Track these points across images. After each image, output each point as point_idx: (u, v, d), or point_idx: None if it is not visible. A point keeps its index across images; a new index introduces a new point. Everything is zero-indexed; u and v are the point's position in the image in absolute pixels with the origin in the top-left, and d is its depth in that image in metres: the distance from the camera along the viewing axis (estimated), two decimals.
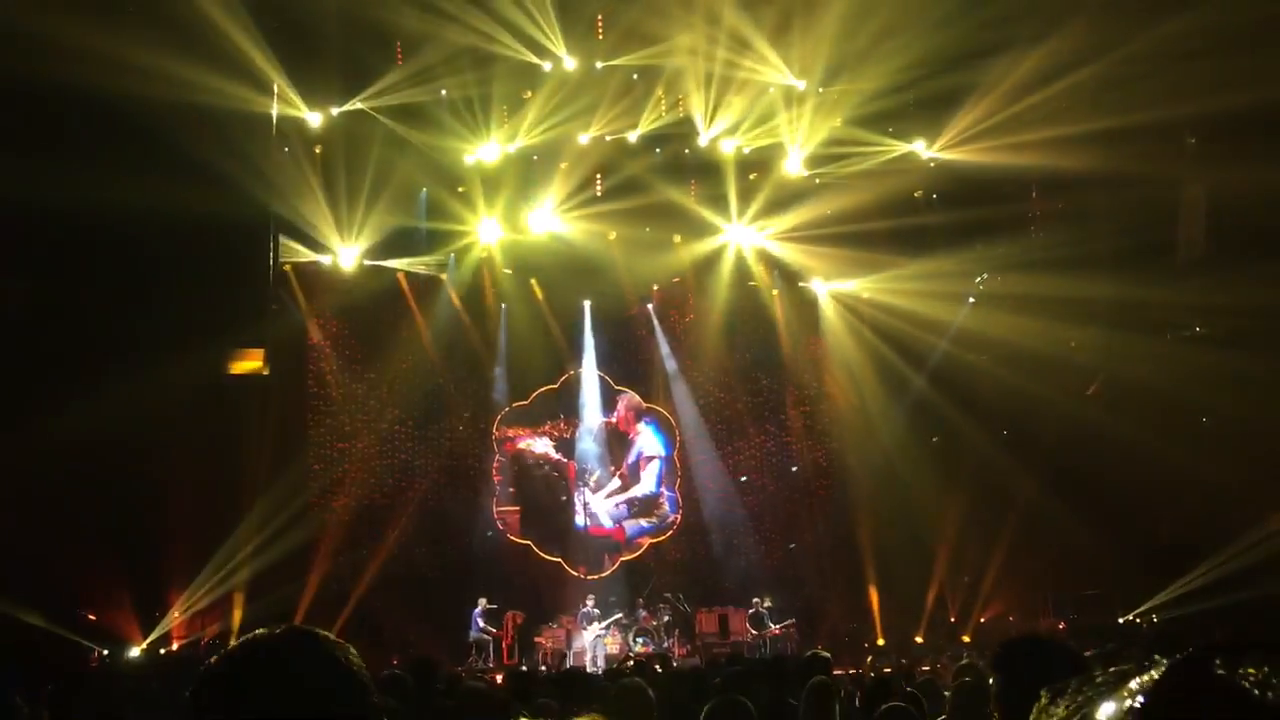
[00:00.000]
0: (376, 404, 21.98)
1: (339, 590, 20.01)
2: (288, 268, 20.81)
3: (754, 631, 20.67)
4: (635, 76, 20.34)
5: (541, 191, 21.47)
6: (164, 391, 17.14)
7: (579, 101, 20.15)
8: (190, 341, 17.65)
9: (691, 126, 20.99)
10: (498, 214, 21.61)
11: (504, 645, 20.29)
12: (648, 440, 23.76)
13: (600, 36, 19.79)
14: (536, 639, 20.41)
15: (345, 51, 18.94)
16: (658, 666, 12.51)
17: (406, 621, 20.11)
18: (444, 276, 22.35)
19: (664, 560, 23.10)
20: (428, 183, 21.22)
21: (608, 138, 21.03)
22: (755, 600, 21.06)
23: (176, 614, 18.26)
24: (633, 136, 21.02)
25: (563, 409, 23.53)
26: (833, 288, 23.75)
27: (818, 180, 22.09)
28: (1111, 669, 0.97)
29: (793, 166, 21.69)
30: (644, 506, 23.41)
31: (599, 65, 20.00)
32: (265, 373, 19.28)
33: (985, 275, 22.50)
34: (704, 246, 22.99)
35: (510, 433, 23.14)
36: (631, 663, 14.54)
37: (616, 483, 23.40)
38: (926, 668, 15.41)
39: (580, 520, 22.85)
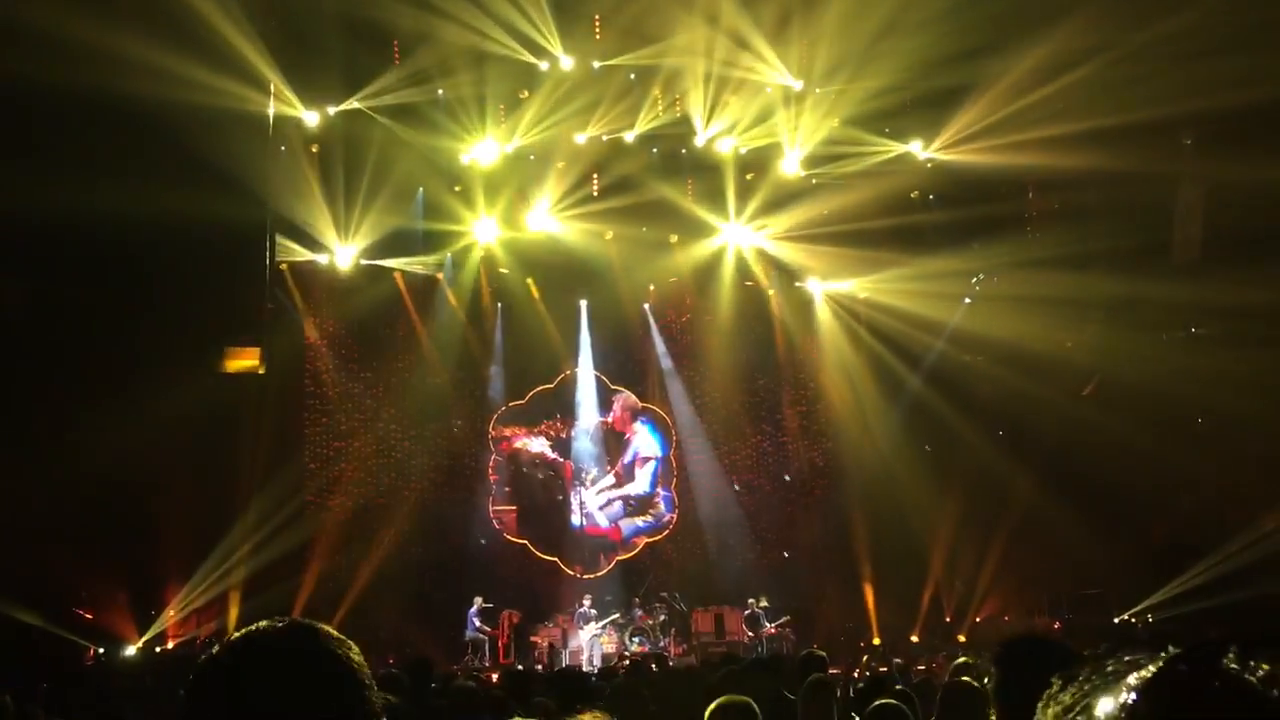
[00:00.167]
0: (373, 403, 21.97)
1: (335, 589, 19.98)
2: (284, 267, 20.78)
3: (750, 631, 20.68)
4: (632, 76, 20.32)
5: (538, 191, 21.45)
6: (160, 390, 17.13)
7: (576, 101, 20.13)
8: (187, 340, 17.66)
9: (689, 126, 20.98)
10: (495, 214, 21.60)
11: (500, 644, 20.27)
12: (644, 440, 23.75)
13: (598, 36, 19.77)
14: (532, 638, 20.41)
15: (342, 51, 18.93)
16: (654, 666, 12.52)
17: (402, 620, 20.11)
18: (441, 276, 22.34)
19: (660, 560, 23.11)
20: (425, 182, 21.19)
21: (605, 137, 21.01)
22: (751, 600, 21.07)
23: (172, 613, 18.25)
24: (630, 136, 21.00)
25: (559, 408, 23.53)
26: (829, 288, 23.77)
27: (815, 180, 22.10)
28: (1126, 658, 0.97)
29: (790, 166, 21.69)
30: (640, 506, 23.41)
31: (596, 65, 19.99)
32: (261, 372, 19.24)
33: (981, 275, 22.51)
34: (701, 246, 22.99)
35: (507, 432, 23.14)
36: (627, 662, 14.55)
37: (612, 481, 23.40)
38: (922, 667, 15.41)
39: (576, 520, 22.87)
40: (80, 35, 14.20)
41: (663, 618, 20.94)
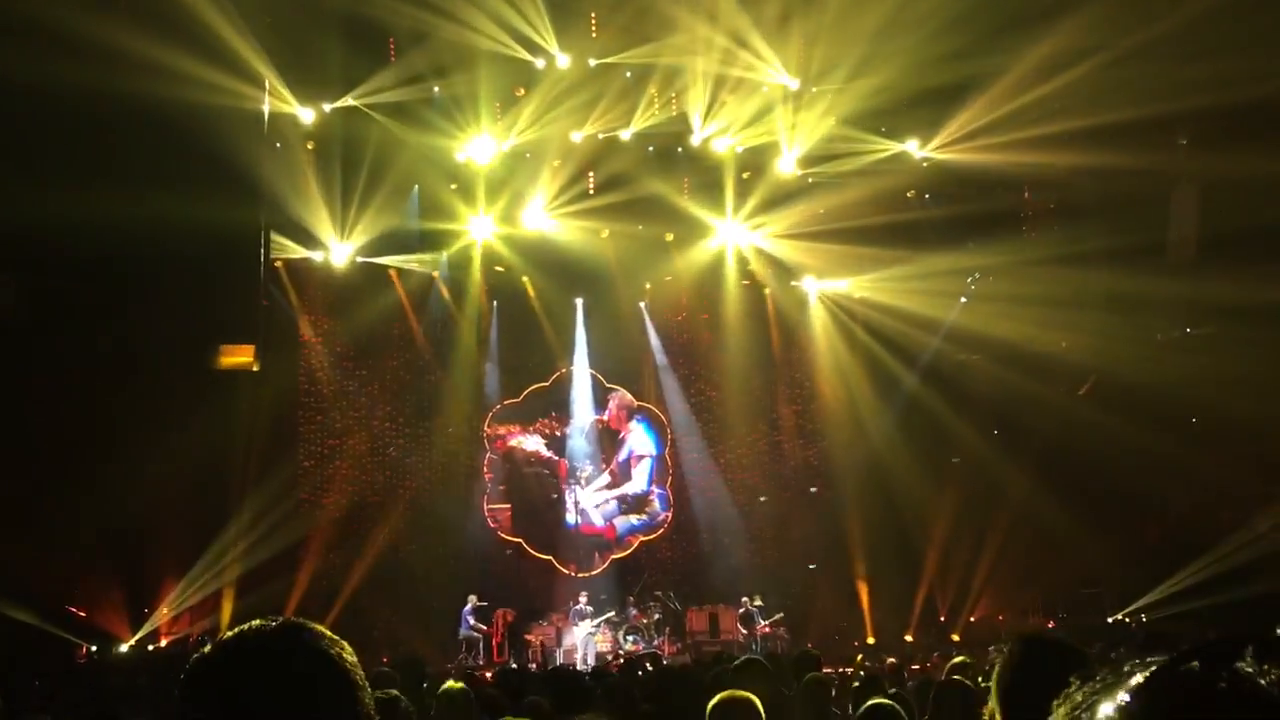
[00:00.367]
0: (368, 401, 21.96)
1: (329, 587, 19.97)
2: (279, 264, 20.76)
3: (744, 630, 20.69)
4: (629, 74, 20.28)
5: (534, 189, 21.43)
6: (155, 387, 17.13)
7: (572, 99, 20.10)
8: (181, 338, 17.63)
9: (685, 125, 20.95)
10: (491, 212, 21.59)
11: (494, 643, 20.26)
12: (639, 438, 23.75)
13: (594, 34, 19.74)
14: (526, 637, 20.41)
15: (338, 48, 18.86)
16: (648, 664, 12.50)
17: (396, 619, 20.10)
18: (436, 274, 22.35)
19: (655, 558, 23.13)
20: (421, 180, 21.17)
21: (601, 135, 20.99)
22: (745, 599, 21.08)
23: (165, 610, 18.21)
24: (626, 134, 20.97)
25: (554, 407, 23.53)
26: (825, 287, 23.77)
27: (811, 179, 22.09)
28: (1144, 660, 0.96)
29: (786, 165, 21.67)
30: (635, 504, 23.41)
31: (592, 63, 19.94)
32: (256, 369, 19.21)
33: (977, 274, 22.51)
34: (697, 245, 23.00)
35: (502, 430, 23.12)
36: (621, 661, 14.54)
37: (607, 479, 23.40)
38: (917, 666, 15.41)
39: (571, 518, 22.87)
40: (75, 32, 14.17)
41: (657, 616, 20.95)
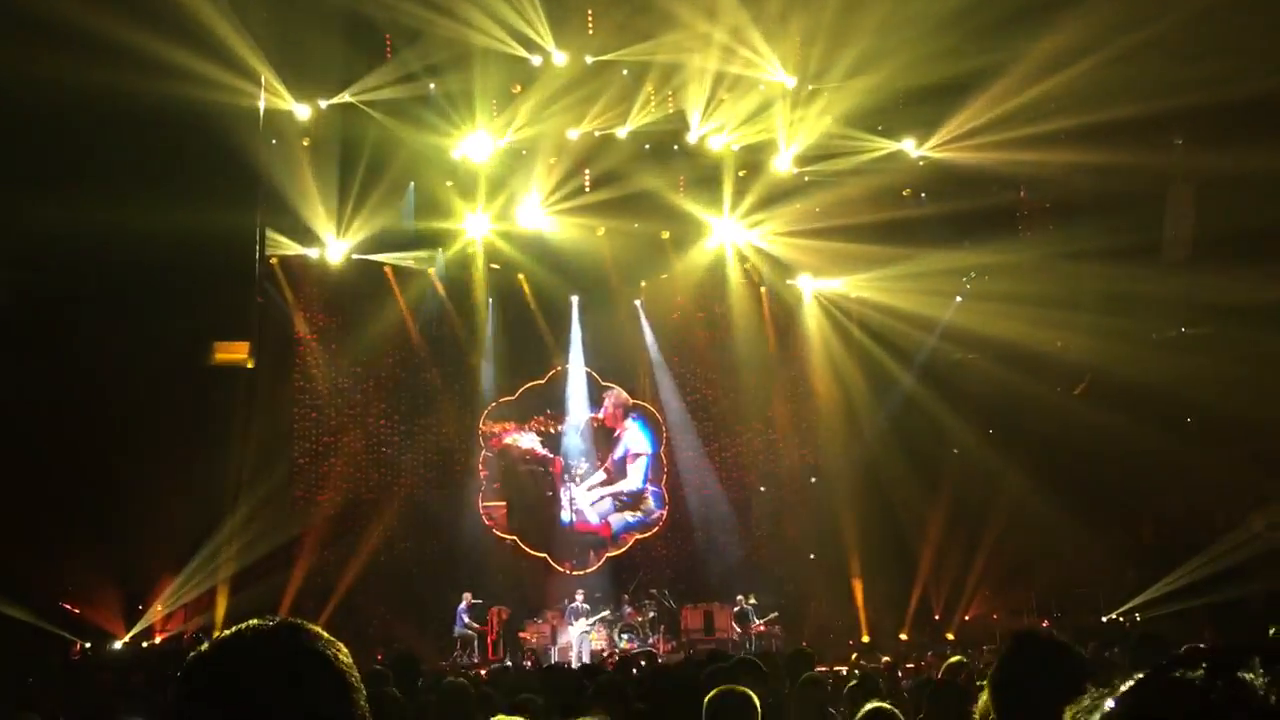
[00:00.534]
0: (363, 398, 21.94)
1: (323, 585, 19.95)
2: (274, 261, 20.74)
3: (738, 628, 20.70)
4: (625, 72, 20.28)
5: (531, 187, 21.42)
6: (149, 383, 17.09)
7: (568, 97, 20.09)
8: (175, 334, 17.58)
9: (681, 123, 20.96)
10: (487, 209, 21.58)
11: (489, 641, 20.25)
12: (634, 436, 23.75)
13: (590, 31, 19.73)
14: (521, 635, 20.41)
15: (334, 45, 18.85)
16: (642, 662, 12.50)
17: (391, 616, 20.10)
18: (431, 271, 22.31)
19: (650, 556, 23.12)
20: (417, 177, 21.17)
21: (597, 133, 20.99)
22: (740, 597, 21.09)
23: (159, 608, 18.19)
24: (622, 132, 20.97)
25: (550, 404, 23.51)
26: (821, 285, 23.78)
27: (807, 178, 22.10)
28: (1157, 666, 0.97)
29: (782, 164, 21.68)
30: (630, 502, 23.41)
31: (589, 60, 19.93)
32: (250, 366, 19.19)
33: (973, 273, 22.53)
34: (693, 243, 23.01)
35: (497, 428, 23.11)
36: (615, 659, 14.54)
37: (602, 477, 23.40)
38: (911, 665, 15.43)
39: (566, 516, 22.87)
40: (70, 28, 14.13)
41: (652, 614, 20.95)
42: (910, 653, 18.75)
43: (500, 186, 21.47)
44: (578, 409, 23.59)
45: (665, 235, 22.99)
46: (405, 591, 20.79)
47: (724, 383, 24.20)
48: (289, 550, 19.79)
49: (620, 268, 23.06)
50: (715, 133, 21.21)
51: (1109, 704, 0.95)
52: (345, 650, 1.64)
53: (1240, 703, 0.87)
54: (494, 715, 4.38)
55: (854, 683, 7.56)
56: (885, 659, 14.70)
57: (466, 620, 19.99)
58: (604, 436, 23.69)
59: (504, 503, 22.75)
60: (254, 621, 1.64)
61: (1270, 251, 16.33)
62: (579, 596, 20.79)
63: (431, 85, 19.84)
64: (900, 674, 12.60)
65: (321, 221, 20.49)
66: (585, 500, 23.13)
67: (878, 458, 22.26)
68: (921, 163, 21.47)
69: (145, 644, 18.08)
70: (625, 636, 20.28)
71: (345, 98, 19.45)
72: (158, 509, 17.22)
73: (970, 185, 21.01)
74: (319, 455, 21.38)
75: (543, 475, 23.20)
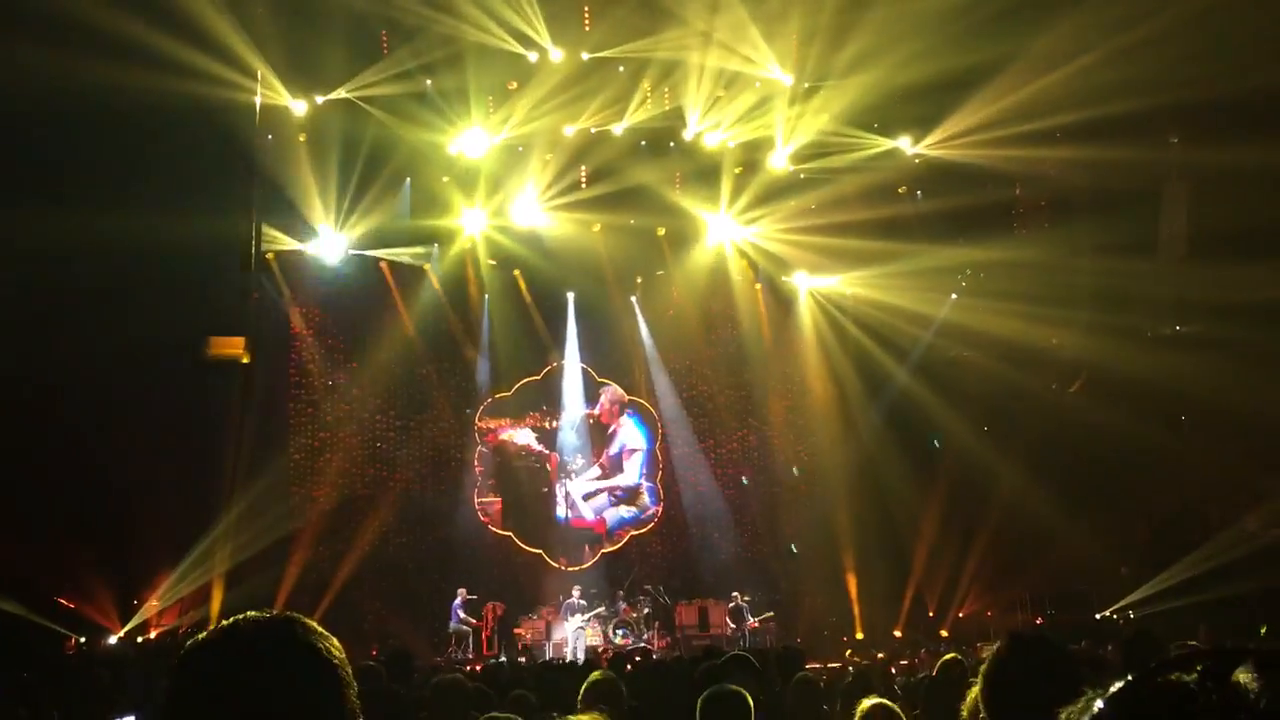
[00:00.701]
0: (359, 394, 21.94)
1: (319, 580, 19.96)
2: (271, 256, 20.72)
3: (733, 625, 20.72)
4: (621, 69, 20.24)
5: (526, 183, 21.40)
6: (145, 378, 17.08)
7: (565, 93, 20.06)
8: (172, 329, 17.56)
9: (678, 119, 20.93)
10: (483, 205, 21.57)
11: (484, 636, 20.26)
12: (630, 433, 23.76)
13: (587, 28, 19.70)
14: (516, 630, 20.42)
15: (330, 40, 18.81)
16: (637, 658, 12.53)
17: (386, 612, 20.10)
18: (427, 267, 22.31)
19: (645, 553, 23.14)
20: (413, 173, 21.15)
21: (593, 130, 20.96)
22: (735, 594, 21.11)
23: (155, 602, 18.19)
24: (618, 129, 20.95)
25: (545, 400, 23.52)
26: (816, 282, 23.79)
27: (803, 175, 22.09)
28: (1154, 668, 0.98)
29: (779, 161, 21.67)
30: (626, 497, 23.42)
31: (585, 57, 19.91)
32: (246, 361, 19.18)
33: (968, 270, 22.55)
34: (689, 240, 23.01)
35: (492, 424, 23.12)
36: (610, 655, 14.54)
37: (598, 473, 23.41)
38: (905, 662, 15.46)
39: (561, 512, 22.88)
40: (63, 22, 14.11)
41: (647, 610, 20.95)
42: (904, 650, 18.78)
43: (497, 183, 21.46)
44: (573, 405, 23.60)
45: (661, 232, 22.99)
46: (400, 587, 20.80)
47: (719, 379, 24.22)
48: (285, 545, 19.79)
49: (616, 264, 23.07)
50: (712, 129, 21.18)
51: (1098, 705, 0.96)
52: (338, 644, 1.66)
53: (1234, 707, 0.87)
54: (489, 711, 4.39)
55: (849, 680, 7.59)
56: (879, 655, 14.74)
57: (461, 615, 20.00)
58: (599, 432, 23.70)
59: (499, 498, 22.76)
60: (249, 614, 1.66)
61: (1266, 249, 16.34)
62: (576, 593, 20.79)
63: (428, 81, 19.79)
64: (894, 671, 12.63)
65: (318, 217, 20.48)
66: (580, 496, 23.14)
67: (872, 454, 22.29)
68: (917, 160, 21.47)
69: (140, 639, 18.08)
70: (620, 632, 20.29)
71: (342, 94, 19.42)
72: (153, 503, 17.22)
73: (966, 183, 20.98)
74: (315, 450, 21.38)
75: (538, 471, 23.21)
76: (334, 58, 19.07)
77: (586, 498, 23.19)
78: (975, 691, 3.03)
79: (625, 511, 23.34)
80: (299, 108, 19.56)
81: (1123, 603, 20.13)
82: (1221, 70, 15.89)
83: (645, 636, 20.21)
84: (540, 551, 22.50)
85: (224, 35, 16.88)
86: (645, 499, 23.51)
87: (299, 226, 20.55)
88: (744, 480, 24.05)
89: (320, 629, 1.67)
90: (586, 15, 19.56)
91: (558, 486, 23.06)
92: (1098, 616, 20.35)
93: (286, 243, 20.71)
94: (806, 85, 20.39)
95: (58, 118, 15.62)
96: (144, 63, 14.98)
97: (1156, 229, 19.96)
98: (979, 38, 17.56)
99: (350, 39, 18.93)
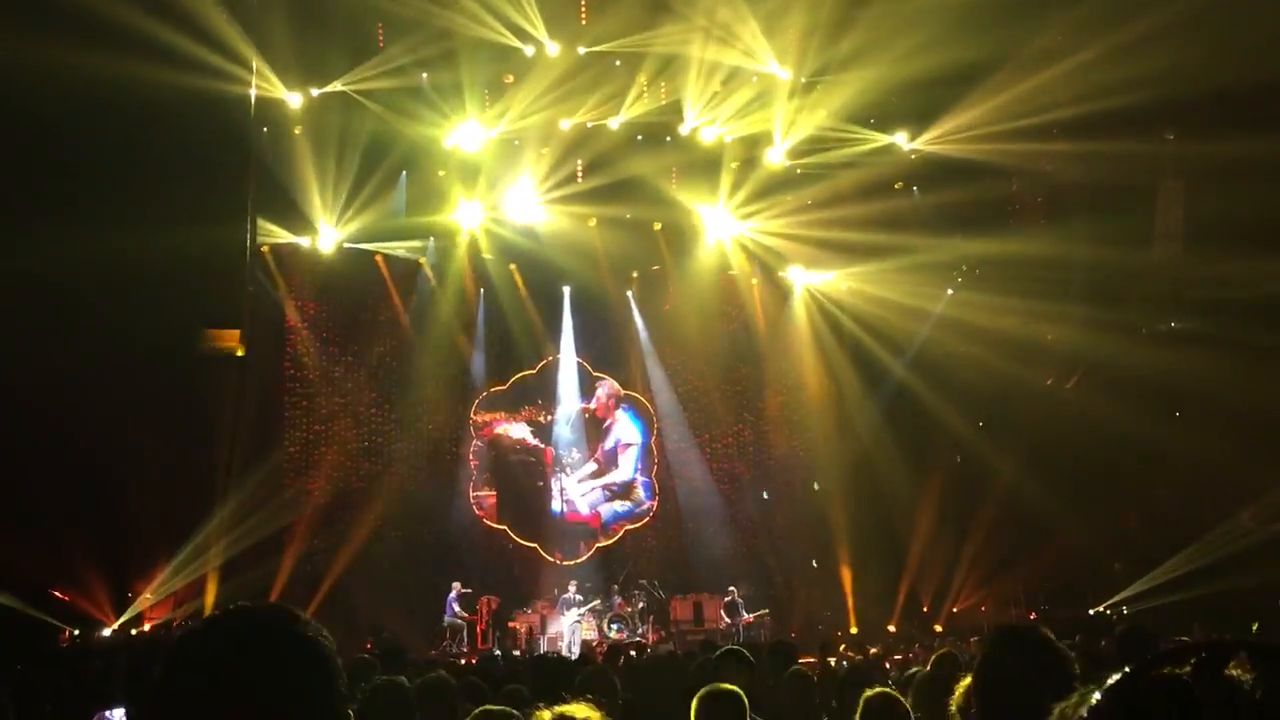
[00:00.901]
0: (354, 387, 21.93)
1: (313, 573, 19.96)
2: (265, 249, 20.70)
3: (728, 619, 20.73)
4: (618, 63, 20.23)
5: (522, 177, 21.38)
6: (139, 371, 17.05)
7: (561, 87, 20.03)
8: (166, 322, 17.53)
9: (674, 114, 20.91)
10: (479, 199, 21.55)
11: (478, 630, 20.27)
12: (625, 427, 23.77)
13: (583, 21, 19.68)
14: (511, 624, 20.43)
15: (326, 33, 18.77)
16: (633, 653, 12.53)
17: (381, 605, 20.08)
18: (423, 260, 22.30)
19: (640, 547, 23.16)
20: (409, 166, 21.11)
21: (589, 124, 20.93)
22: (730, 588, 21.12)
23: (149, 595, 18.16)
24: (615, 123, 20.92)
25: (541, 394, 23.52)
26: (811, 277, 23.79)
27: (800, 170, 22.08)
28: (1153, 662, 0.97)
29: (775, 156, 21.66)
30: (621, 491, 23.43)
31: (582, 50, 19.88)
32: (241, 354, 19.16)
33: (965, 266, 22.55)
34: (685, 234, 22.99)
35: (488, 417, 23.11)
36: (604, 649, 14.57)
37: (593, 468, 23.41)
38: (899, 656, 15.47)
39: (556, 506, 22.88)
40: (57, 13, 14.07)
41: (641, 605, 20.99)
42: (898, 644, 18.80)
43: (492, 177, 21.42)
44: (569, 399, 23.60)
45: (658, 227, 22.98)
46: (395, 580, 20.77)
47: (715, 374, 24.21)
48: (279, 538, 19.78)
49: (612, 259, 23.05)
50: (709, 124, 21.16)
51: (1095, 698, 0.96)
52: (329, 636, 1.67)
53: (1227, 699, 0.87)
54: (482, 705, 4.38)
55: (844, 674, 7.60)
56: (873, 650, 14.75)
57: (456, 609, 20.01)
58: (595, 427, 23.70)
59: (494, 492, 22.77)
60: (240, 604, 1.67)
61: (1261, 245, 16.34)
62: (571, 587, 20.82)
63: (424, 75, 19.75)
64: (888, 665, 12.64)
65: (314, 210, 20.45)
66: (576, 490, 23.14)
67: (868, 449, 22.31)
68: (914, 156, 21.49)
69: (134, 631, 18.05)
70: (615, 627, 20.32)
71: (338, 87, 19.38)
72: (148, 496, 17.19)
73: (962, 178, 20.98)
74: (309, 444, 21.38)
75: (533, 465, 23.20)
76: (330, 51, 19.05)
77: (582, 493, 23.19)
78: (964, 684, 3.03)
79: (620, 506, 23.35)
80: (295, 101, 19.53)
81: (1117, 598, 20.17)
82: (1217, 66, 15.88)
83: (640, 630, 20.24)
84: (535, 546, 22.51)
85: (219, 28, 16.84)
86: (640, 493, 23.52)
87: (294, 220, 20.51)
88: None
89: (310, 620, 1.67)
90: (583, 9, 19.55)
91: (553, 481, 23.06)
92: (1091, 612, 20.39)
93: (282, 236, 20.69)
94: (804, 80, 20.39)
95: (51, 110, 15.54)
96: (139, 55, 14.91)
97: (1152, 224, 19.97)
98: (976, 34, 17.56)
99: (346, 32, 18.91)
